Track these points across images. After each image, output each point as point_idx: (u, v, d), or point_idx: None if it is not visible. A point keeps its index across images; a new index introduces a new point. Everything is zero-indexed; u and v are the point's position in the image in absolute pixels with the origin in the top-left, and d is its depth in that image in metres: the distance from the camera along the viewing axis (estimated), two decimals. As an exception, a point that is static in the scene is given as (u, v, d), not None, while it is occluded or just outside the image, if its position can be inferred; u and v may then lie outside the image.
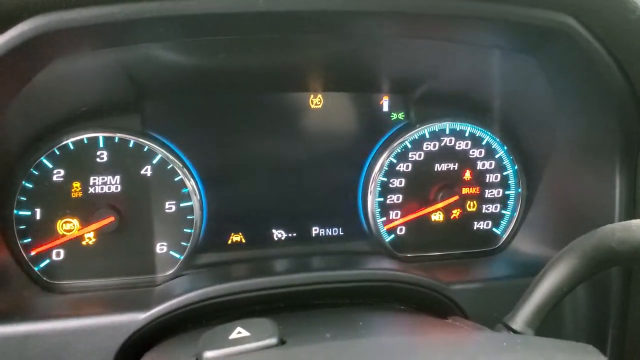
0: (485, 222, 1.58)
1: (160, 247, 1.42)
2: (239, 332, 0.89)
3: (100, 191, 1.37)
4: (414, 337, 0.98)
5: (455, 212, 1.55)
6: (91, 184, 1.36)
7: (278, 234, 1.51)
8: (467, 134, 1.53)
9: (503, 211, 1.58)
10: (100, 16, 0.86)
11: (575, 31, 1.05)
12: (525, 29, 1.08)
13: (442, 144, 1.52)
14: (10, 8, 0.80)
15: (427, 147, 1.52)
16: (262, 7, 0.93)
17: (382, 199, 1.52)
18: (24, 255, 1.33)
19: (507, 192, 1.57)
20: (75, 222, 1.36)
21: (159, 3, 0.89)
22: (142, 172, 1.39)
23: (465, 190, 1.55)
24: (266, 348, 0.86)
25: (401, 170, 1.52)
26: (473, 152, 1.54)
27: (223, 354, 0.86)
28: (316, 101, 1.49)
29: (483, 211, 1.57)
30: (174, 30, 0.99)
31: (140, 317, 1.15)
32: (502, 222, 1.58)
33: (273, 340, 0.87)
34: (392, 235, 1.54)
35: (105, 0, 0.85)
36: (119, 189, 1.37)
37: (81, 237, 1.37)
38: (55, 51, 0.99)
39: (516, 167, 1.55)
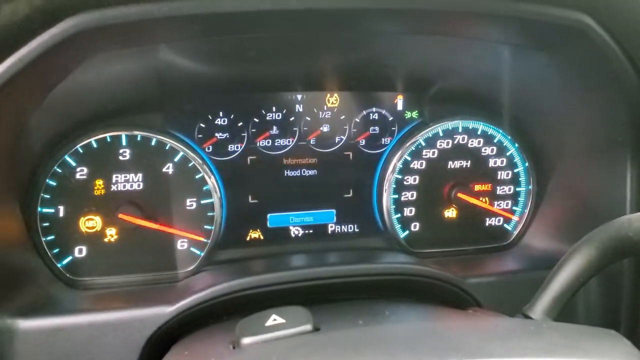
0: (497, 219, 1.61)
1: (181, 244, 1.44)
2: (275, 319, 0.92)
3: (122, 189, 1.39)
4: (443, 323, 1.00)
5: (468, 209, 1.58)
6: (114, 181, 1.38)
7: (295, 230, 1.54)
8: (479, 132, 1.57)
9: (514, 207, 1.61)
10: (139, 14, 0.89)
11: (591, 29, 1.09)
12: (541, 26, 1.11)
13: (455, 142, 1.56)
14: (57, 5, 0.83)
15: (440, 145, 1.56)
16: (291, 5, 0.96)
17: (396, 196, 1.55)
18: (48, 252, 1.35)
19: (518, 189, 1.60)
20: (97, 220, 1.38)
21: (195, 2, 0.92)
22: (164, 169, 1.41)
23: (477, 187, 1.58)
24: (302, 334, 0.89)
25: (415, 167, 1.55)
26: (485, 149, 1.58)
27: (260, 339, 0.88)
28: (332, 100, 1.52)
29: (495, 208, 1.60)
30: (207, 28, 1.02)
31: (166, 311, 1.17)
32: (513, 218, 1.62)
33: (308, 327, 0.90)
34: (407, 232, 1.57)
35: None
36: (141, 187, 1.40)
37: (103, 234, 1.39)
38: (91, 50, 1.02)
39: (527, 164, 1.59)
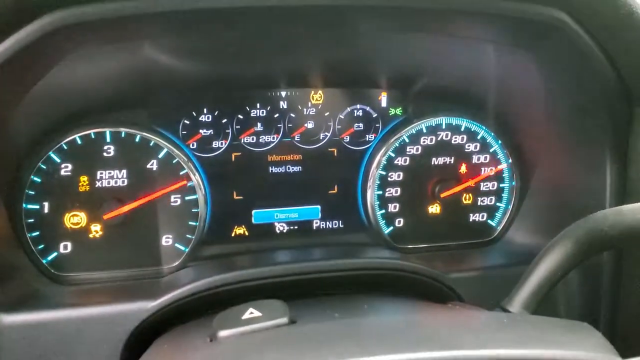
0: (481, 214, 1.62)
1: (166, 240, 1.45)
2: (251, 313, 0.93)
3: (107, 185, 1.40)
4: (419, 316, 1.02)
5: (452, 205, 1.59)
6: (98, 178, 1.39)
7: (280, 226, 1.55)
8: (462, 129, 1.58)
9: (498, 203, 1.62)
10: (117, 10, 0.90)
11: (568, 26, 1.10)
12: (520, 24, 1.13)
13: (439, 139, 1.57)
14: (34, 2, 0.83)
15: (424, 142, 1.57)
16: (272, 2, 0.97)
17: (380, 192, 1.56)
18: (33, 247, 1.36)
19: (501, 185, 1.62)
20: (82, 216, 1.39)
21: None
22: (148, 166, 1.42)
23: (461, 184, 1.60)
24: (278, 327, 0.90)
25: (399, 164, 1.56)
26: (469, 146, 1.59)
27: (237, 332, 0.89)
28: (317, 97, 1.53)
29: (478, 203, 1.62)
30: (187, 25, 1.03)
31: (149, 306, 1.19)
32: (496, 214, 1.63)
33: (284, 320, 0.91)
34: (391, 227, 1.58)
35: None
36: (125, 183, 1.41)
37: (88, 230, 1.40)
38: (70, 47, 1.03)
39: (510, 160, 1.60)
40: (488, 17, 1.12)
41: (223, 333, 0.90)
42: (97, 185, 1.39)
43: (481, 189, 1.61)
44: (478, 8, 1.06)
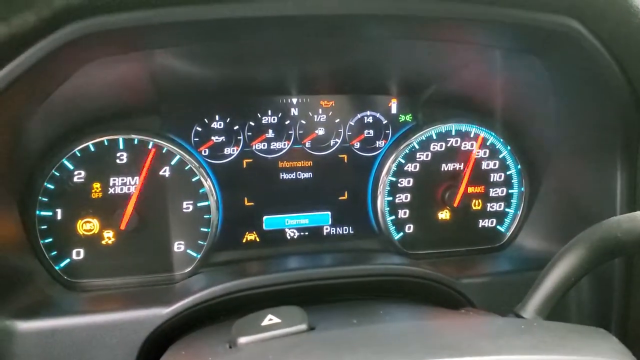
0: (490, 220, 1.63)
1: (178, 246, 1.46)
2: (270, 319, 0.94)
3: (120, 192, 1.40)
4: (436, 322, 1.02)
5: (461, 211, 1.60)
6: (111, 184, 1.40)
7: (291, 232, 1.56)
8: (472, 135, 1.59)
9: (507, 209, 1.63)
10: (139, 19, 0.91)
11: (579, 34, 1.11)
12: (532, 31, 1.13)
13: (449, 145, 1.58)
14: (57, 12, 0.84)
15: (434, 148, 1.58)
16: (288, 12, 0.98)
17: (391, 198, 1.57)
18: (46, 254, 1.37)
19: (510, 191, 1.63)
20: (95, 222, 1.40)
21: (192, 8, 0.94)
22: (161, 173, 1.43)
23: (470, 189, 1.60)
24: (297, 333, 0.91)
25: (409, 170, 1.57)
26: (478, 152, 1.60)
27: (256, 339, 0.90)
28: (327, 103, 1.55)
29: (488, 209, 1.63)
30: (205, 34, 1.04)
31: (163, 312, 1.20)
32: (505, 220, 1.64)
33: (303, 326, 0.92)
34: (401, 233, 1.59)
35: (143, 4, 0.89)
36: (138, 190, 1.41)
37: (100, 237, 1.41)
38: (89, 56, 1.04)
39: (519, 166, 1.61)
40: (500, 25, 1.13)
41: (243, 339, 0.90)
42: (109, 192, 1.40)
43: (490, 194, 1.62)
44: (491, 16, 1.07)
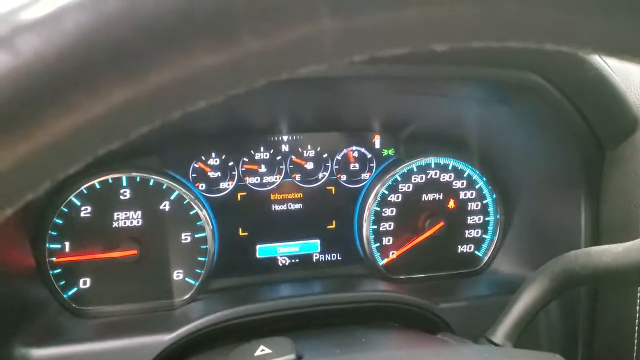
0: (468, 246, 1.75)
1: (177, 274, 1.56)
2: (262, 350, 1.05)
3: (123, 225, 1.51)
4: (410, 350, 1.14)
5: (441, 237, 1.72)
6: (115, 219, 1.51)
7: (283, 260, 1.67)
8: (450, 167, 1.70)
9: (484, 235, 1.75)
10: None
11: (541, 86, 1.22)
12: (499, 85, 1.26)
13: (429, 177, 1.70)
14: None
15: (415, 180, 1.69)
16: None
17: (375, 227, 1.69)
18: (55, 283, 1.47)
19: (487, 218, 1.74)
20: (100, 253, 1.50)
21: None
22: (161, 207, 1.54)
23: (449, 217, 1.72)
24: (287, 363, 1.02)
25: (392, 200, 1.69)
26: (456, 183, 1.71)
27: (250, 369, 1.01)
28: (316, 140, 1.65)
29: (466, 236, 1.74)
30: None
31: (165, 339, 1.30)
32: (483, 245, 1.75)
33: (292, 357, 1.03)
34: (385, 259, 1.70)
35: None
36: (140, 223, 1.52)
37: (105, 266, 1.51)
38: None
39: (494, 196, 1.72)
40: (473, 81, 1.25)
41: (238, 369, 1.02)
42: (114, 226, 1.51)
43: (468, 222, 1.74)
44: (461, 74, 1.19)
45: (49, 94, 0.31)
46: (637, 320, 1.27)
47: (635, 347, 1.27)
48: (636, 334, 1.27)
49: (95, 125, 0.33)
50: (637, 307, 1.27)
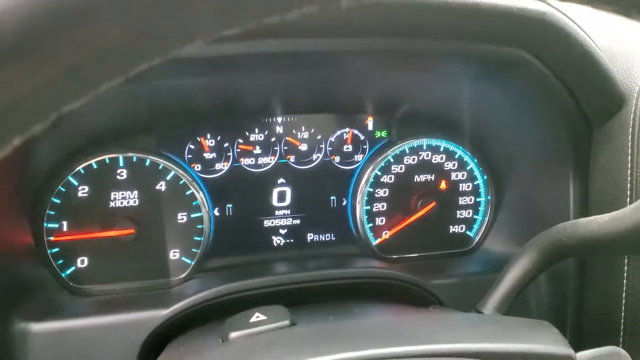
0: (460, 226, 1.78)
1: (173, 254, 1.58)
2: (257, 317, 1.08)
3: (120, 205, 1.53)
4: (401, 318, 1.17)
5: (433, 218, 1.75)
6: (112, 198, 1.53)
7: (277, 240, 1.70)
8: (442, 149, 1.73)
9: (475, 216, 1.78)
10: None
11: (529, 62, 1.24)
12: (487, 61, 1.29)
13: (421, 158, 1.72)
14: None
15: (407, 161, 1.72)
16: (273, 49, 1.12)
17: (369, 207, 1.71)
18: (53, 262, 1.49)
19: (478, 199, 1.77)
20: (97, 233, 1.52)
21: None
22: (157, 187, 1.56)
23: (441, 198, 1.75)
24: (281, 328, 1.05)
25: (385, 181, 1.71)
26: (447, 164, 1.74)
27: (245, 334, 1.04)
28: (310, 122, 1.68)
29: (457, 216, 1.77)
30: (201, 69, 1.18)
31: (161, 314, 1.32)
32: (474, 225, 1.78)
33: (286, 322, 1.06)
34: (378, 239, 1.73)
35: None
36: (137, 203, 1.54)
37: (103, 246, 1.53)
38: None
39: (485, 177, 1.75)
40: (462, 57, 1.28)
41: (233, 334, 1.04)
42: (111, 206, 1.53)
43: (460, 202, 1.77)
44: (448, 49, 1.21)
45: None
46: (624, 292, 1.30)
47: (622, 317, 1.30)
48: (623, 305, 1.30)
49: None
50: (624, 279, 1.29)
